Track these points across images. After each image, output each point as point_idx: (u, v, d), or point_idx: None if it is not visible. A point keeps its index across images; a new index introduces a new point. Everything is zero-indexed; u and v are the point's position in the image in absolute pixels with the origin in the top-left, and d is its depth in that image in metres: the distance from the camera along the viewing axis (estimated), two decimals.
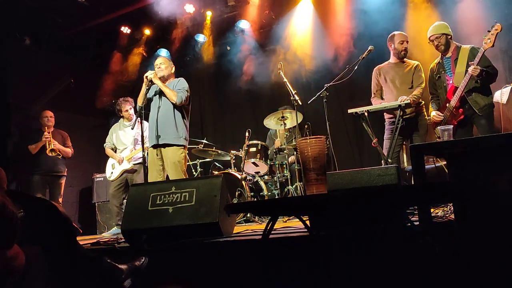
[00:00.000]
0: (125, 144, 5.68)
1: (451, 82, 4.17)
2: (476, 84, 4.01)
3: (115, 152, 5.73)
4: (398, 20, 5.81)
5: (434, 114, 4.29)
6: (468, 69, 3.92)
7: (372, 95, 4.70)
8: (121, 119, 5.86)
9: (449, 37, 4.22)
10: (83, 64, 7.81)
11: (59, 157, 6.11)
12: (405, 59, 4.53)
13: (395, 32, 4.54)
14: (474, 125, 4.14)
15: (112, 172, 5.65)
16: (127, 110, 5.73)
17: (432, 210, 2.84)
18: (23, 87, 6.72)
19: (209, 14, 7.21)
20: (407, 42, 4.48)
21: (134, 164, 5.54)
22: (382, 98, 4.62)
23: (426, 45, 4.53)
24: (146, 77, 4.41)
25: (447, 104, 4.15)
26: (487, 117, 4.03)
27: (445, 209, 2.98)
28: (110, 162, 5.75)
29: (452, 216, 2.53)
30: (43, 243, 2.10)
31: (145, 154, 4.56)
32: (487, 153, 2.01)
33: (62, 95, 7.23)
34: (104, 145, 5.83)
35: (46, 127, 6.06)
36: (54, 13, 6.79)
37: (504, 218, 1.90)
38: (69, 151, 6.25)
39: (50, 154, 5.99)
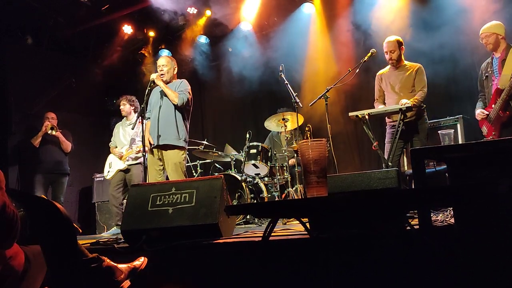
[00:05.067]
0: (123, 143, 5.68)
1: (495, 82, 4.13)
2: None
3: None
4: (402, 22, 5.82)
5: (478, 112, 4.30)
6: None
7: (375, 100, 4.69)
8: (124, 117, 5.88)
9: (500, 37, 4.17)
10: (84, 63, 7.82)
11: (61, 140, 6.26)
12: (406, 62, 4.51)
13: (385, 41, 4.52)
14: None
15: (108, 171, 5.66)
16: (122, 109, 5.77)
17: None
18: (23, 86, 6.73)
19: (211, 15, 7.22)
20: (392, 51, 4.41)
21: (128, 165, 5.54)
22: (384, 104, 4.60)
23: None
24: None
25: (493, 105, 4.13)
26: None
27: (445, 213, 2.97)
28: (108, 160, 5.77)
29: (452, 220, 2.53)
30: (43, 243, 2.10)
31: (145, 155, 4.56)
32: (488, 157, 2.01)
33: (62, 94, 7.24)
34: (110, 143, 5.84)
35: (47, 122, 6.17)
36: (56, 12, 6.80)
37: (505, 223, 1.90)
38: (69, 143, 6.35)
39: (50, 132, 6.08)
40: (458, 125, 5.09)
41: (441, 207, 3.11)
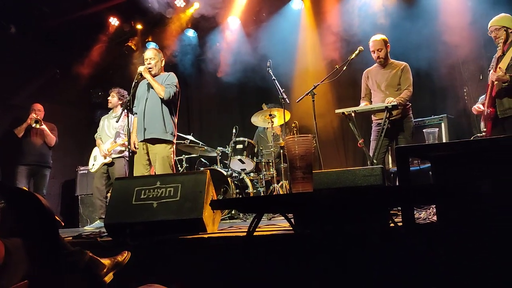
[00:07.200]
0: (108, 136, 5.62)
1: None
2: (505, 84, 3.85)
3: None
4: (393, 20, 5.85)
5: (475, 106, 4.20)
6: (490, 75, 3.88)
7: (362, 98, 4.71)
8: (111, 110, 5.82)
9: (510, 30, 3.98)
10: (69, 55, 7.70)
11: (45, 135, 6.18)
12: (392, 60, 4.54)
13: (371, 39, 4.53)
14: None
15: (93, 164, 5.62)
16: (110, 100, 5.74)
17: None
18: (7, 76, 6.60)
19: (199, 9, 7.17)
20: (379, 50, 4.43)
21: (113, 158, 5.49)
22: (370, 101, 4.62)
23: None
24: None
25: (485, 101, 4.08)
26: (509, 120, 3.89)
27: (428, 211, 3.01)
28: (93, 153, 5.72)
29: (435, 218, 2.56)
30: (24, 235, 2.06)
31: (129, 149, 4.52)
32: (471, 156, 2.04)
33: (46, 86, 7.12)
34: (95, 135, 5.78)
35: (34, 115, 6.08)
36: (41, 2, 6.68)
37: (486, 221, 1.93)
38: (53, 137, 6.27)
39: (34, 125, 6.01)
40: (443, 124, 5.15)
41: (424, 204, 3.14)
